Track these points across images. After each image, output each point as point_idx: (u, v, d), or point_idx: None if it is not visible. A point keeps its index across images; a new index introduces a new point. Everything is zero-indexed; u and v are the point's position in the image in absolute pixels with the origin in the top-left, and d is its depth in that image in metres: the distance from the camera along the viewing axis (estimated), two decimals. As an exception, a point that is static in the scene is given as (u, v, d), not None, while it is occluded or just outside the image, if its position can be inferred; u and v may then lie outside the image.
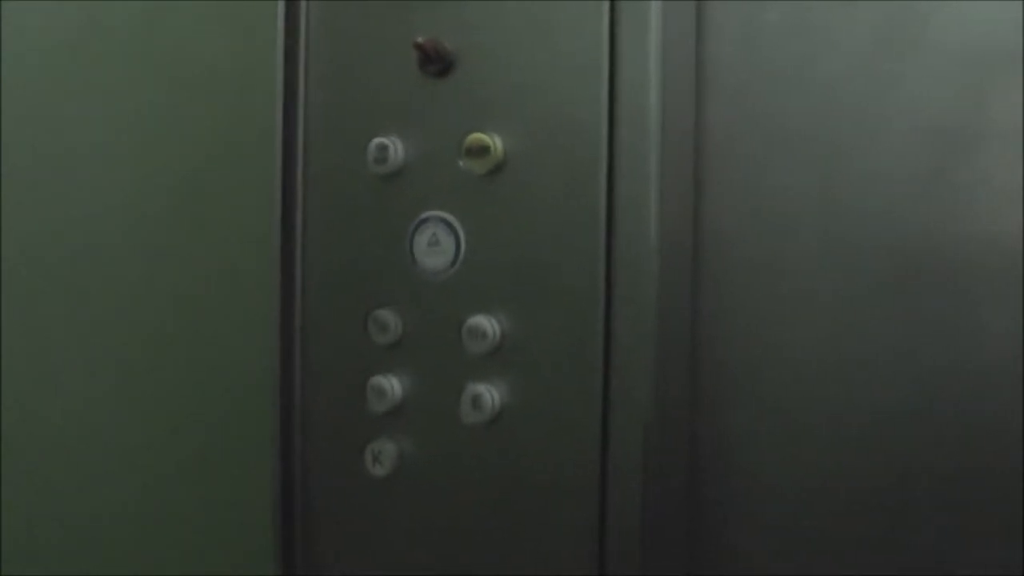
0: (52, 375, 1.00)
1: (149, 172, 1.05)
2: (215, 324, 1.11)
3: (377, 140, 0.75)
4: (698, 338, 0.71)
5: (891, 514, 0.66)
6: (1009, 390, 0.63)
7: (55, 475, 1.00)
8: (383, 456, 0.75)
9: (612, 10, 0.67)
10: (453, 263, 0.73)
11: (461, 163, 0.71)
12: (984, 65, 0.63)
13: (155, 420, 1.08)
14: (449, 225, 0.73)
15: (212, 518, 1.12)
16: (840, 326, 0.67)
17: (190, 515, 1.12)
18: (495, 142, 0.70)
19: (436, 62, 0.72)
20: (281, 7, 0.79)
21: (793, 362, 0.68)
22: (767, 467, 0.69)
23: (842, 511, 0.67)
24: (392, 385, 0.75)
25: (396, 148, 0.74)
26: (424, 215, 0.74)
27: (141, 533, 1.07)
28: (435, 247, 0.73)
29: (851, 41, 0.66)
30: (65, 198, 1.00)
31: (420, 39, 0.71)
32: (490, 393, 0.71)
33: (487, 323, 0.71)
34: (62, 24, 0.98)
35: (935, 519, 0.65)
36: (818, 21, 0.67)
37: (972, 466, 0.64)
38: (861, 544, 0.67)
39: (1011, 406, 0.62)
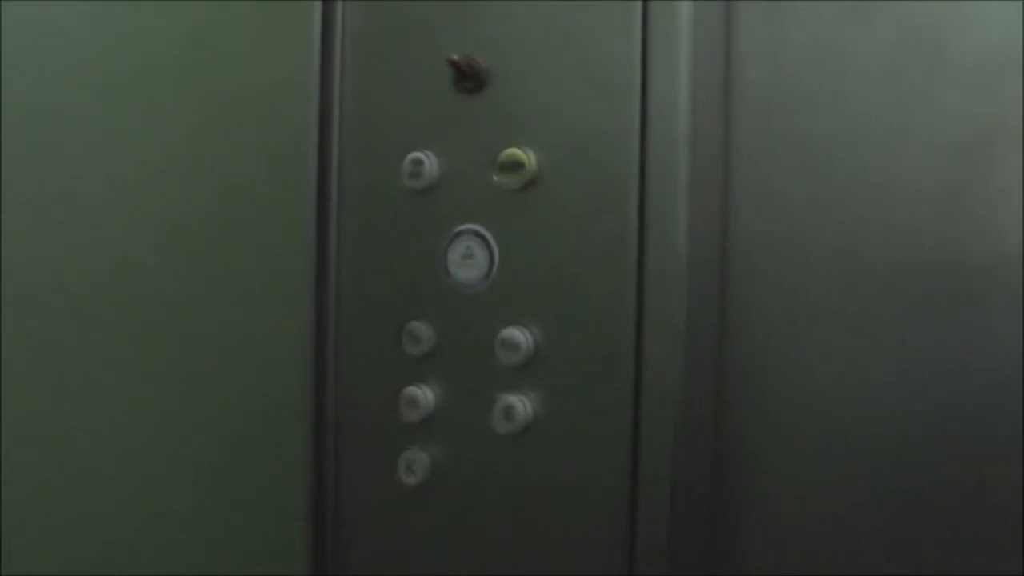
0: (87, 386, 1.01)
1: (187, 184, 1.07)
2: (251, 336, 1.12)
3: (412, 155, 0.76)
4: (723, 350, 0.71)
5: (907, 521, 0.67)
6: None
7: (88, 487, 1.01)
8: (416, 465, 0.76)
9: (643, 29, 0.68)
10: (487, 276, 0.74)
11: (495, 178, 0.73)
12: (1003, 82, 0.63)
13: (189, 431, 1.09)
14: (483, 238, 0.74)
15: (244, 529, 1.13)
16: (861, 339, 0.67)
17: (222, 525, 1.12)
18: (529, 157, 0.71)
19: (470, 79, 0.73)
20: (317, 25, 0.81)
21: (813, 373, 0.69)
22: (787, 476, 0.70)
23: (859, 518, 0.68)
24: (425, 395, 0.76)
25: (431, 163, 0.75)
26: (458, 228, 0.75)
27: (171, 544, 1.08)
28: (469, 260, 0.74)
29: (873, 60, 0.67)
30: (101, 212, 1.01)
31: (454, 56, 0.73)
32: (523, 404, 0.72)
33: (520, 335, 0.72)
34: (101, 40, 1.00)
35: (952, 527, 0.66)
36: (841, 41, 0.68)
37: (989, 476, 0.64)
38: (877, 550, 0.67)
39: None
